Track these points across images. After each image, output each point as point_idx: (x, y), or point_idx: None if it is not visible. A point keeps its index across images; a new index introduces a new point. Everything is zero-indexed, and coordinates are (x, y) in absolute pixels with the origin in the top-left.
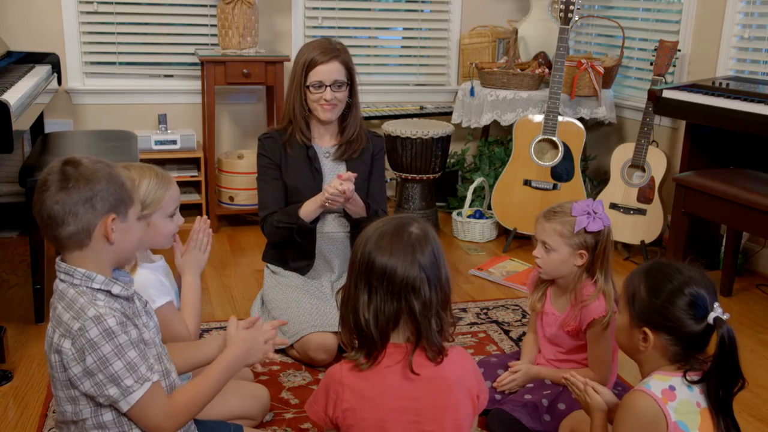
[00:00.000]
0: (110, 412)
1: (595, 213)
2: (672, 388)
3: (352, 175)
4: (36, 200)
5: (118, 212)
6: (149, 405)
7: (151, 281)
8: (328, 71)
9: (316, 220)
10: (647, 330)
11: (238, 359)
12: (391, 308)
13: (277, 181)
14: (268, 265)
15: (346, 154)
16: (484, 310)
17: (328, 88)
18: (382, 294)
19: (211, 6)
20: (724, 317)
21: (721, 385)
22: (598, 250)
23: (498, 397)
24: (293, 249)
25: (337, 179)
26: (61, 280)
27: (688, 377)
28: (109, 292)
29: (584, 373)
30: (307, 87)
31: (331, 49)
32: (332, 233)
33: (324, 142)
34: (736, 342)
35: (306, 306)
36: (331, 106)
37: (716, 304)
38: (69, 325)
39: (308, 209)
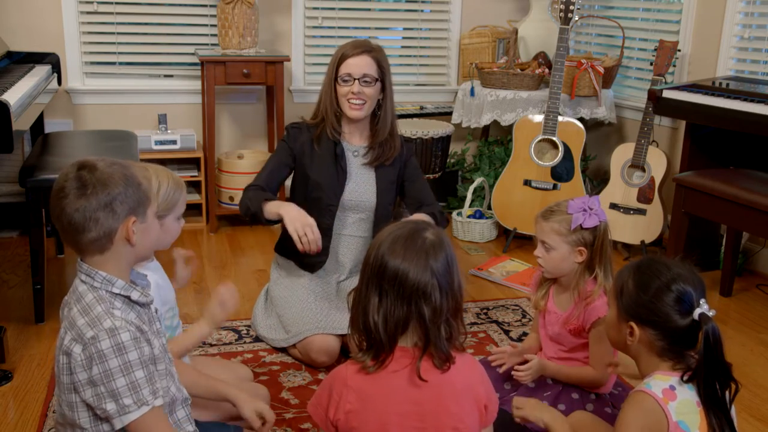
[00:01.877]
0: (109, 424)
1: (591, 209)
2: (672, 387)
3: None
4: (54, 207)
5: (138, 214)
6: (149, 430)
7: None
8: (358, 64)
9: (276, 222)
10: (633, 324)
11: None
12: (400, 312)
13: (282, 165)
14: (278, 256)
15: (379, 160)
16: (484, 310)
17: (356, 81)
18: (393, 298)
19: (211, 6)
20: (710, 314)
21: (709, 382)
22: (595, 245)
23: (498, 395)
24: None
25: (314, 242)
26: (82, 281)
27: (684, 377)
28: (128, 298)
29: (585, 371)
30: (337, 80)
31: (363, 44)
32: (350, 236)
33: (354, 141)
34: (721, 339)
35: (310, 306)
36: (359, 101)
37: (702, 301)
38: (82, 331)
39: (273, 210)
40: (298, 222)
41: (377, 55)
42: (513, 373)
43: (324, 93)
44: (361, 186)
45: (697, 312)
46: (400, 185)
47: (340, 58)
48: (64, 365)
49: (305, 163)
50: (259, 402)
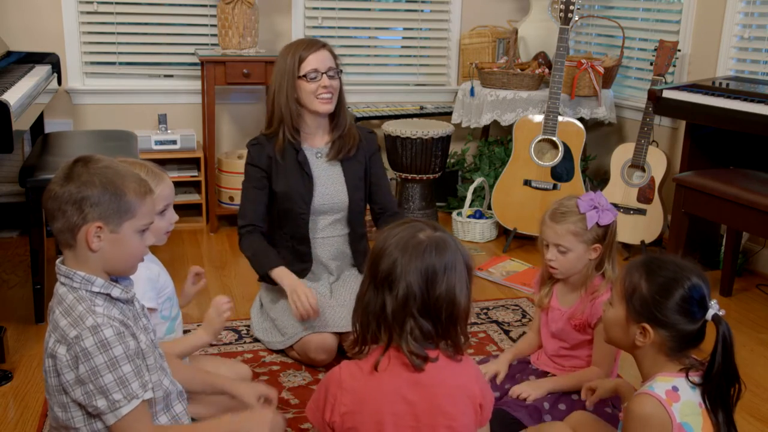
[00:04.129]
0: (102, 421)
1: (601, 205)
2: (675, 389)
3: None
4: (45, 190)
5: (108, 222)
6: (133, 425)
7: (139, 279)
8: (321, 59)
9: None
10: (647, 326)
11: (238, 427)
12: (374, 301)
13: (260, 191)
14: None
15: (342, 153)
16: (484, 310)
17: (324, 75)
18: (371, 285)
19: (211, 6)
20: (721, 313)
21: (722, 383)
22: (607, 241)
23: (497, 394)
24: (290, 253)
25: (307, 301)
26: (62, 284)
27: (690, 378)
28: (108, 296)
29: (587, 374)
30: (303, 77)
31: (315, 41)
32: (326, 238)
33: (315, 142)
34: (733, 339)
35: None
36: (328, 94)
37: (713, 301)
38: (65, 332)
39: (278, 277)
40: (294, 293)
41: (331, 48)
42: (512, 392)
43: (280, 98)
44: (330, 188)
45: (710, 313)
46: (367, 183)
47: (299, 59)
48: (50, 368)
49: (272, 176)
50: (257, 385)
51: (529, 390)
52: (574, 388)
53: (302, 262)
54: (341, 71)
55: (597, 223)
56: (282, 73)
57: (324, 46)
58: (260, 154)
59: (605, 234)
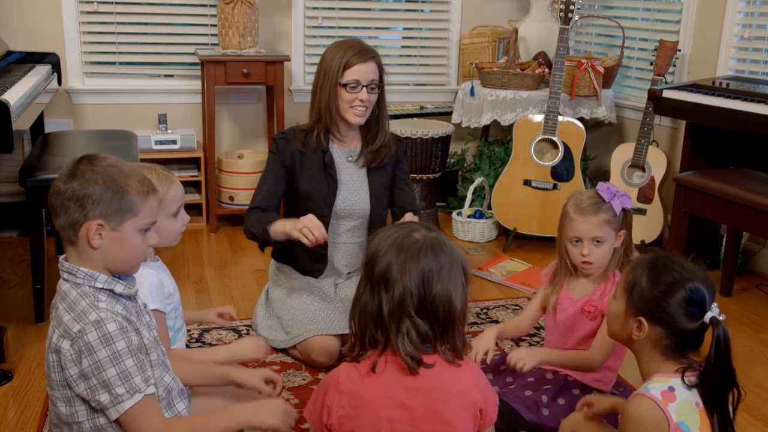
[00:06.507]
0: (105, 416)
1: (618, 192)
2: (671, 389)
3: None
4: (50, 186)
5: (110, 220)
6: (141, 418)
7: (146, 282)
8: (366, 71)
9: (289, 242)
10: (643, 320)
11: (250, 416)
12: (370, 303)
13: (278, 179)
14: (275, 261)
15: (375, 162)
16: (484, 310)
17: (365, 88)
18: (366, 287)
19: (211, 6)
20: (720, 318)
21: (716, 386)
22: (627, 224)
23: (496, 389)
24: (305, 252)
25: (317, 229)
26: (65, 280)
27: (686, 378)
28: (111, 291)
29: (582, 354)
30: (343, 86)
31: (367, 50)
32: (345, 243)
33: (346, 145)
34: (730, 343)
35: (309, 307)
36: (363, 107)
37: (714, 305)
38: (69, 327)
39: (278, 229)
40: (299, 223)
41: (379, 60)
42: (508, 360)
43: (322, 96)
44: (354, 193)
45: (708, 315)
46: (390, 190)
47: (345, 65)
48: (54, 363)
49: (295, 174)
50: (260, 370)
51: (525, 357)
52: (568, 365)
53: (317, 262)
54: (382, 85)
55: (624, 208)
56: (326, 72)
57: (374, 57)
58: (285, 149)
59: (625, 219)
